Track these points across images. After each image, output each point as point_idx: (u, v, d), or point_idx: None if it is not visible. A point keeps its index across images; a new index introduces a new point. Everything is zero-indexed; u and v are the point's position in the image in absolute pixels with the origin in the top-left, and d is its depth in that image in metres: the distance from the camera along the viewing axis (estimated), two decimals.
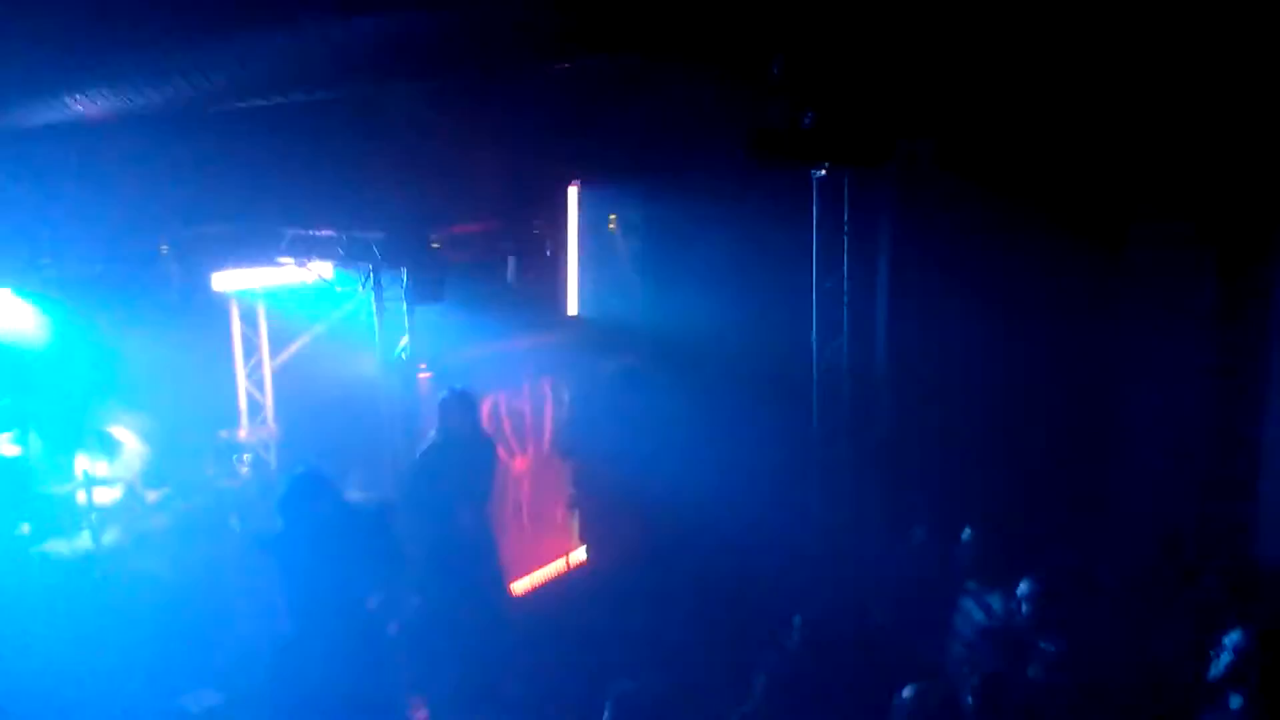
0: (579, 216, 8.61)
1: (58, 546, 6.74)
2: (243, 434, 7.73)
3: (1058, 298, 6.27)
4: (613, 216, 8.82)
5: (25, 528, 6.59)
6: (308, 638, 5.33)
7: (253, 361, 8.11)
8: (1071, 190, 6.16)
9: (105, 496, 6.86)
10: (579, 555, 8.70)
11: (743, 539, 7.89)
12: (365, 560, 5.45)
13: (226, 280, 7.36)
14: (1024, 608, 5.18)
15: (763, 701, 4.91)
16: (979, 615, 5.57)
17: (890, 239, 7.34)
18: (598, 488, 8.02)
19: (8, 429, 5.83)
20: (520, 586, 8.20)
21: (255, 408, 8.18)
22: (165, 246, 7.02)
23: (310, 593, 5.32)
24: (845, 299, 7.41)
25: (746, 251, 7.98)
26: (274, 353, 8.19)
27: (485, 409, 7.97)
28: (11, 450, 5.85)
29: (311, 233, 7.30)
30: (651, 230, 8.82)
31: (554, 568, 8.60)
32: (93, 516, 6.66)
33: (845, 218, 7.27)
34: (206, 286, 7.28)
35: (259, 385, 8.20)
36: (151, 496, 7.20)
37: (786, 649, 5.28)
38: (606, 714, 4.03)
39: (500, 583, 7.23)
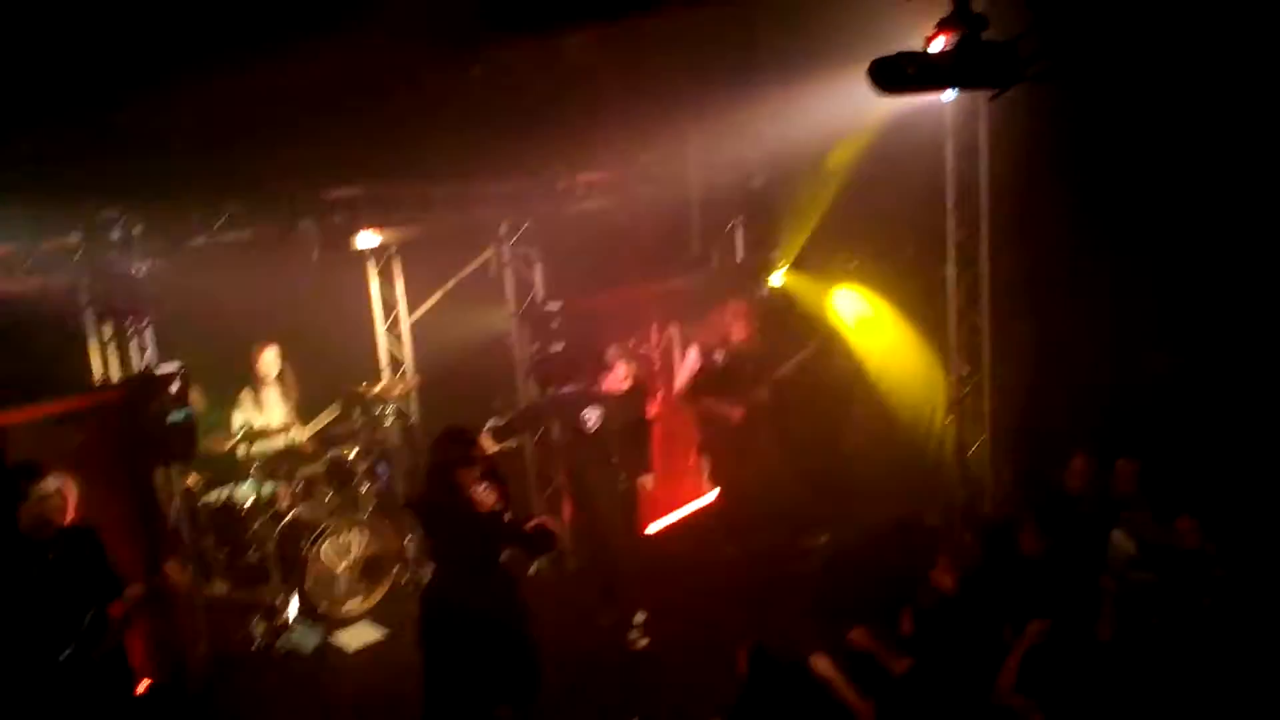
0: None
1: (223, 496, 7.16)
2: (384, 388, 8.00)
3: None
4: None
5: (193, 479, 6.99)
6: None
7: (391, 317, 8.37)
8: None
9: (264, 448, 7.21)
10: (710, 498, 8.79)
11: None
12: (501, 673, 5.49)
13: (366, 239, 7.60)
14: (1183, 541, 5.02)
15: None
16: (1131, 546, 5.42)
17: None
18: (728, 432, 8.03)
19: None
20: (654, 529, 8.37)
21: (396, 361, 8.46)
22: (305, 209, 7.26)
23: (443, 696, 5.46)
24: None
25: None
26: (411, 308, 8.44)
27: (614, 354, 8.07)
28: (178, 411, 6.18)
29: (441, 188, 7.47)
30: None
31: (687, 510, 8.72)
32: (253, 468, 7.01)
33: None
34: (346, 246, 7.54)
35: (398, 340, 8.47)
36: (307, 448, 7.56)
37: None
38: None
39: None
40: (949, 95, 6.73)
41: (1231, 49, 5.40)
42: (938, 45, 3.88)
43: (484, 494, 5.25)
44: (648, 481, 7.24)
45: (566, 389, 6.94)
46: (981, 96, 6.72)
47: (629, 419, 7.03)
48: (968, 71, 3.89)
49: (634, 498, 7.16)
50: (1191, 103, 5.64)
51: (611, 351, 6.89)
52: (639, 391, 7.19)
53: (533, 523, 5.62)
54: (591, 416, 6.78)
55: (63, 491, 4.86)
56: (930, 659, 5.03)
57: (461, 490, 5.24)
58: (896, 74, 3.88)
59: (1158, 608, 4.82)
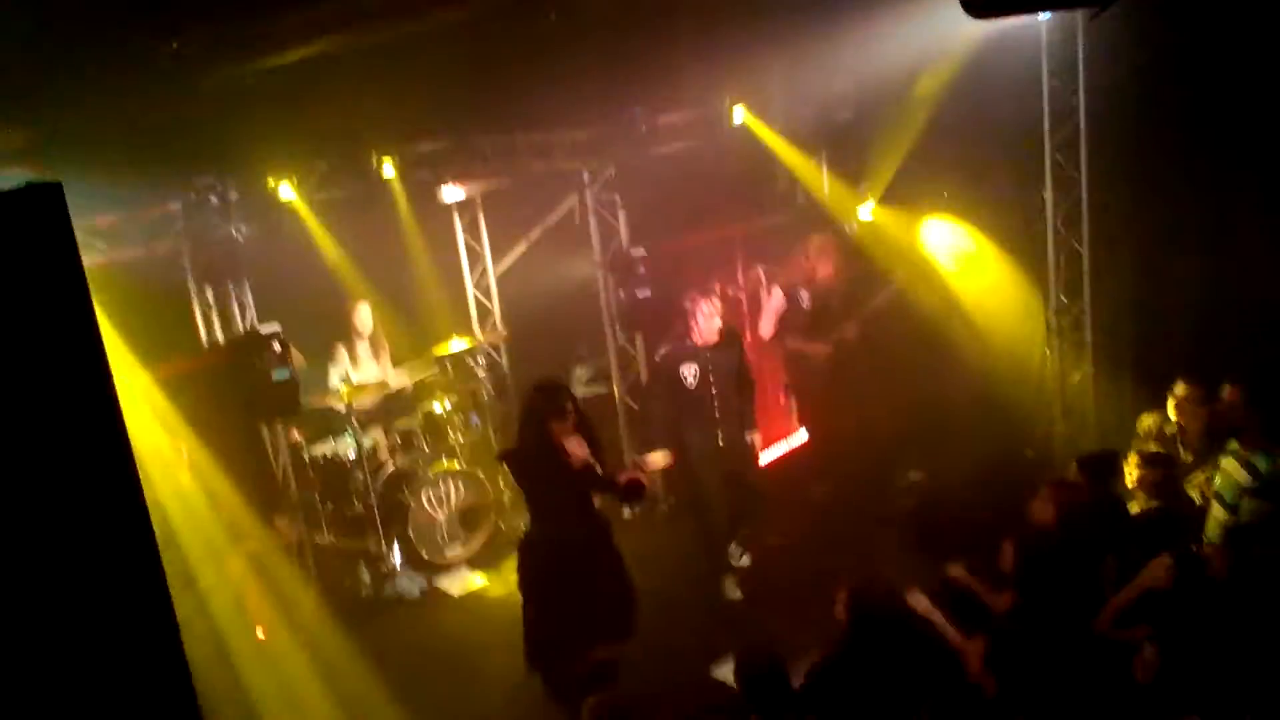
0: None
1: (326, 450, 7.39)
2: (476, 339, 8.11)
3: None
4: None
5: (296, 435, 7.23)
6: None
7: (479, 269, 8.45)
8: None
9: (362, 402, 7.40)
10: (800, 437, 8.72)
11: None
12: (598, 615, 5.61)
13: (451, 193, 7.67)
14: None
15: None
16: (1243, 475, 5.22)
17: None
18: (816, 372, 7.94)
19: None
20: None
21: (484, 313, 8.56)
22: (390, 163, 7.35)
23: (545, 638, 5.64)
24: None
25: None
26: (496, 258, 8.51)
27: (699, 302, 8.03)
28: (280, 368, 6.39)
29: (522, 137, 7.48)
30: None
31: (777, 452, 8.68)
32: (354, 422, 7.21)
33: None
34: (432, 200, 7.63)
35: (485, 291, 8.57)
36: (403, 401, 7.73)
37: None
38: None
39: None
40: (1044, 15, 6.45)
41: None
42: None
43: (576, 445, 5.32)
44: (755, 439, 6.93)
45: (662, 351, 6.69)
46: (1079, 15, 6.42)
47: (727, 371, 6.69)
48: None
49: (735, 454, 6.76)
50: None
51: (696, 301, 6.54)
52: (735, 340, 6.85)
53: (624, 476, 5.66)
54: (689, 373, 6.54)
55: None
56: (1032, 594, 4.94)
57: (554, 441, 5.32)
58: None
59: (1273, 539, 4.61)
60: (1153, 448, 5.93)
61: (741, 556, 6.95)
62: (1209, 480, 5.52)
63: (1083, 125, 7.00)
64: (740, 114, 7.88)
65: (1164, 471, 5.45)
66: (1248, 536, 4.46)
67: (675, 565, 7.04)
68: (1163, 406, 5.99)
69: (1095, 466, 5.55)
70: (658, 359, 6.63)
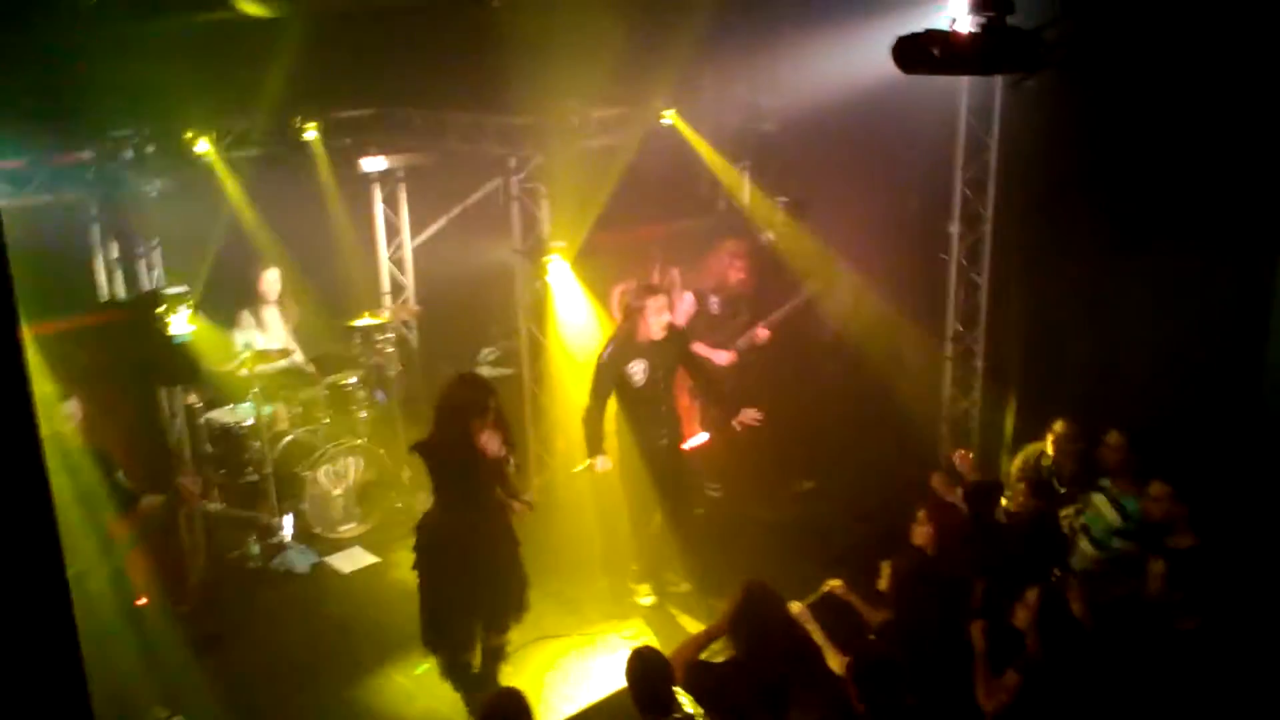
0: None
1: (223, 416, 7.25)
2: (386, 313, 8.06)
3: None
4: None
5: (193, 398, 7.08)
6: None
7: (395, 243, 8.39)
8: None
9: (265, 370, 7.26)
10: (700, 439, 8.90)
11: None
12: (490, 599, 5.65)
13: (372, 163, 7.59)
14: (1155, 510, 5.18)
15: None
16: (1113, 515, 5.58)
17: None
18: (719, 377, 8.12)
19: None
20: None
21: (398, 287, 8.51)
22: (314, 128, 7.23)
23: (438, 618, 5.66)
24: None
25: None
26: (415, 234, 8.45)
27: (616, 295, 8.11)
28: (183, 331, 6.24)
29: (451, 117, 7.43)
30: None
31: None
32: (255, 389, 7.08)
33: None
34: (353, 168, 7.53)
35: (400, 265, 8.50)
36: (307, 372, 7.63)
37: None
38: None
39: None
40: None
41: (1237, 51, 5.44)
42: (964, 25, 3.88)
43: (491, 441, 5.37)
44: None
45: (609, 349, 6.52)
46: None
47: (673, 368, 6.59)
48: (993, 58, 3.90)
49: (676, 454, 6.74)
50: (1199, 92, 5.70)
51: (646, 297, 6.43)
52: (680, 336, 6.75)
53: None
54: (637, 370, 6.42)
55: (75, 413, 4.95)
56: (905, 613, 5.19)
57: (472, 438, 5.34)
58: (921, 54, 3.89)
59: (1131, 582, 4.96)
60: (1016, 475, 6.32)
61: (680, 584, 6.90)
62: (1078, 513, 5.90)
63: (993, 165, 7.31)
64: (669, 117, 7.98)
65: (1046, 502, 5.80)
66: (1114, 576, 4.78)
67: (571, 558, 7.09)
68: (1042, 439, 6.34)
69: (977, 493, 5.85)
70: (604, 358, 6.44)
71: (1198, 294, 6.04)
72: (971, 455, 6.38)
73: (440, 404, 5.48)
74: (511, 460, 5.57)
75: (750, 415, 6.64)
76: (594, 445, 6.46)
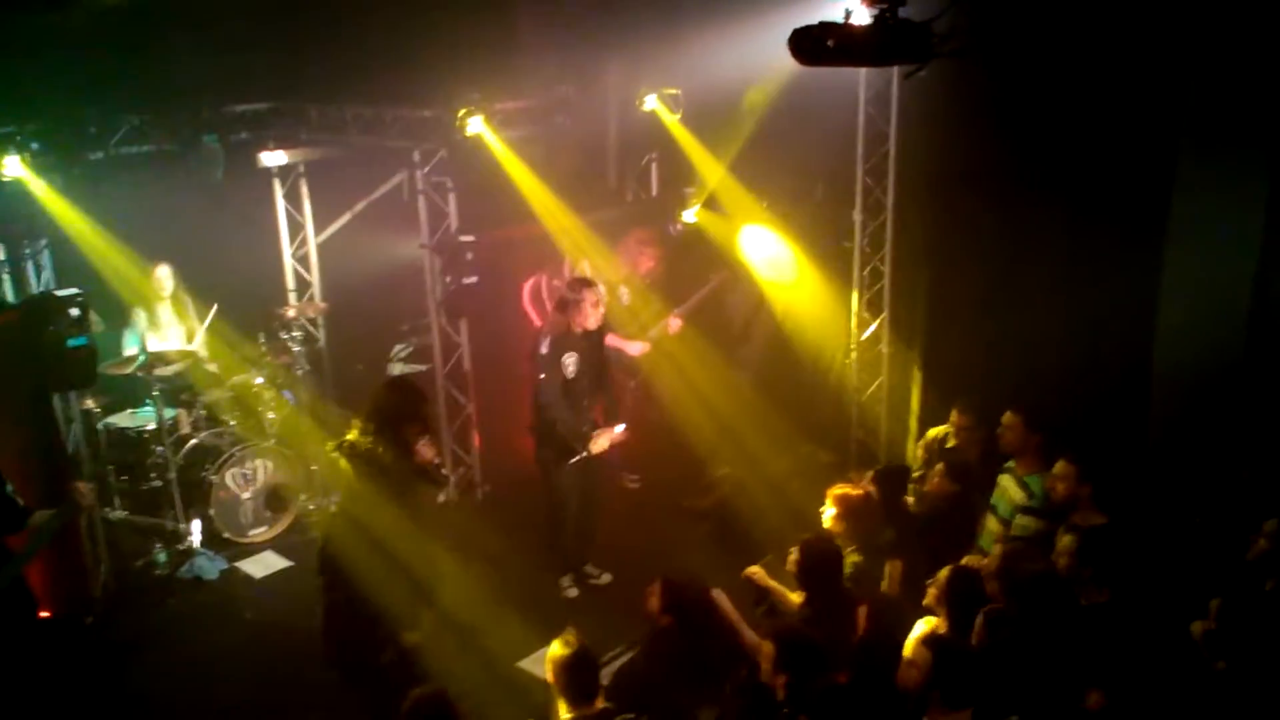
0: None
1: (122, 420, 7.02)
2: (291, 311, 7.88)
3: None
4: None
5: (91, 403, 6.83)
6: None
7: (299, 239, 8.21)
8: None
9: (165, 372, 7.06)
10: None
11: None
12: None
13: (271, 158, 7.41)
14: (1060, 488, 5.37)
15: None
16: (1019, 493, 5.77)
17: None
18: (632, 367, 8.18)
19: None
20: None
21: (303, 285, 8.33)
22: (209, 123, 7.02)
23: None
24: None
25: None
26: (318, 230, 8.28)
27: (527, 289, 8.11)
28: (78, 334, 6.00)
29: (352, 110, 7.30)
30: None
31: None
32: (155, 391, 6.86)
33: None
34: (251, 164, 7.34)
35: (304, 262, 8.33)
36: (211, 369, 7.43)
37: None
38: None
39: None
40: None
41: (1127, 42, 5.67)
42: (859, 18, 3.97)
43: (425, 447, 5.45)
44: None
45: (547, 341, 6.40)
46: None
47: (598, 360, 6.61)
48: (885, 49, 4.00)
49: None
50: (1090, 80, 5.92)
51: (583, 288, 6.41)
52: (602, 329, 6.70)
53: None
54: (570, 362, 6.38)
55: None
56: (818, 597, 5.28)
57: (409, 444, 5.38)
58: (816, 46, 3.98)
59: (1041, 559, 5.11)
60: (921, 459, 6.50)
61: (600, 575, 6.93)
62: (984, 495, 6.08)
63: (893, 153, 7.47)
64: (574, 108, 7.97)
65: (962, 485, 5.98)
66: (1022, 554, 4.91)
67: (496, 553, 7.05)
68: (947, 422, 6.53)
69: (887, 478, 6.01)
70: (545, 350, 6.35)
71: (1094, 277, 6.26)
72: None
73: (372, 411, 5.41)
74: (440, 463, 5.69)
75: (610, 438, 6.60)
76: (580, 436, 6.42)
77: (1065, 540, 4.77)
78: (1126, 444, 6.05)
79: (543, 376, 6.35)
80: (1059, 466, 5.39)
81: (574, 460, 6.47)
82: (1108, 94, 5.88)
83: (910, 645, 4.16)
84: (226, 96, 7.17)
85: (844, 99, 7.52)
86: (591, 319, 6.39)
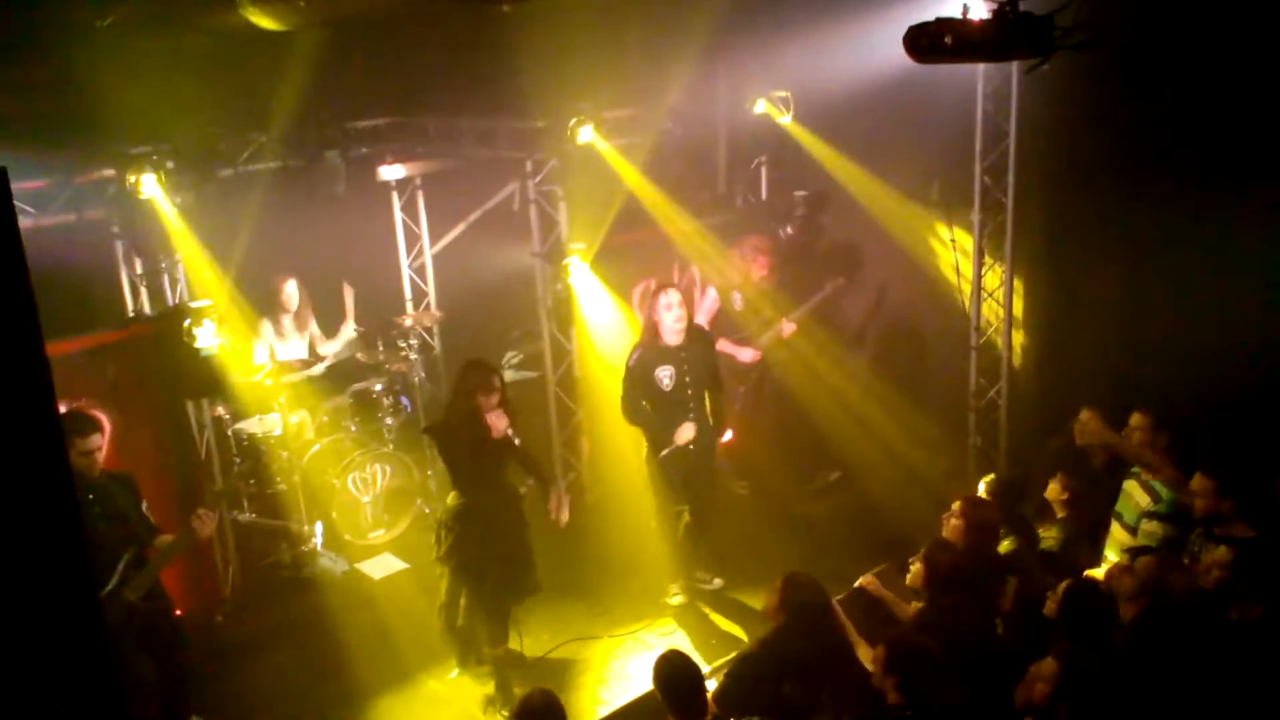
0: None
1: (250, 427, 7.30)
2: (408, 320, 8.08)
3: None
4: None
5: (220, 410, 7.13)
6: None
7: (415, 249, 8.41)
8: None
9: (290, 380, 7.32)
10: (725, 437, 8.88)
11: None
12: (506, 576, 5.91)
13: (390, 171, 7.63)
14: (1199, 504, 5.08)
15: None
16: (1144, 498, 5.51)
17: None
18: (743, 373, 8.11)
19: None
20: None
21: (419, 294, 8.53)
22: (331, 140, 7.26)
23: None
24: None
25: None
26: (433, 240, 8.48)
27: (636, 295, 8.11)
28: (209, 344, 6.27)
29: (467, 123, 7.46)
30: None
31: None
32: (280, 399, 7.12)
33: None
34: (371, 178, 7.57)
35: (420, 272, 8.53)
36: (332, 381, 7.66)
37: None
38: None
39: None
40: None
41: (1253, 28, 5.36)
42: (977, 12, 3.84)
43: (497, 419, 5.67)
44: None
45: (635, 354, 6.46)
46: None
47: (703, 370, 6.51)
48: (1006, 43, 3.85)
49: (706, 458, 6.66)
50: (1217, 69, 5.62)
51: (654, 301, 6.39)
52: (705, 337, 6.69)
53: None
54: (665, 376, 6.38)
55: (101, 438, 5.02)
56: (937, 608, 5.13)
57: (479, 414, 5.62)
58: (933, 43, 3.86)
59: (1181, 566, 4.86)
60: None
61: (711, 580, 6.91)
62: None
63: (1012, 151, 7.22)
64: (683, 114, 7.96)
65: (1086, 494, 5.73)
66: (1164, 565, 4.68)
67: (601, 559, 7.09)
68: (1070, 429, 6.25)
69: (1006, 488, 5.79)
70: (631, 363, 6.42)
71: (1234, 274, 5.94)
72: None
73: (453, 387, 5.84)
74: (517, 440, 5.82)
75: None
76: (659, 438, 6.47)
77: (1219, 552, 4.53)
78: (1269, 452, 5.70)
79: (623, 389, 6.45)
80: (1196, 480, 5.10)
81: (665, 452, 6.45)
82: (1241, 83, 5.57)
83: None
84: (347, 113, 7.43)
85: (963, 94, 7.31)
86: (668, 324, 6.32)
